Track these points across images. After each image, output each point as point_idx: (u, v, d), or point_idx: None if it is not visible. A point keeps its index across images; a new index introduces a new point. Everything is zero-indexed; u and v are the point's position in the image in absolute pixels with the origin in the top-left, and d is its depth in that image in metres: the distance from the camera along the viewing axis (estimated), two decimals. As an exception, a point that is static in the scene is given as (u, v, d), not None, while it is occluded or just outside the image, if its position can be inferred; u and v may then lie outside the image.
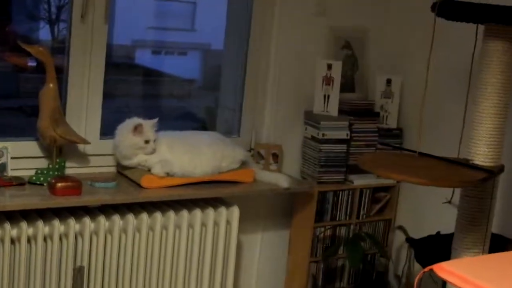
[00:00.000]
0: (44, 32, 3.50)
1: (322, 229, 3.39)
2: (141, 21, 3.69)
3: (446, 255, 2.78)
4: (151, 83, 3.85)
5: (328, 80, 3.32)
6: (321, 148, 3.30)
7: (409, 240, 2.93)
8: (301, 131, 3.44)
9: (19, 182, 2.71)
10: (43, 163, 2.86)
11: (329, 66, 3.32)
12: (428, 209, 3.42)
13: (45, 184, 2.73)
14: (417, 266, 3.47)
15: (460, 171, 2.25)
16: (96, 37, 2.88)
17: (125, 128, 2.88)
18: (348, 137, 3.36)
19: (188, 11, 3.98)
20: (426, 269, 1.72)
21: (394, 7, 3.57)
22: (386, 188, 3.54)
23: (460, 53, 3.13)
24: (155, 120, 2.90)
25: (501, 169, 2.36)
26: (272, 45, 3.32)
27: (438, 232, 2.96)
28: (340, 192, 3.41)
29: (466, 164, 2.30)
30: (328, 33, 3.43)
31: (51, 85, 2.74)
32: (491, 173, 2.23)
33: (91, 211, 2.77)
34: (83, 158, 2.97)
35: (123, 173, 2.97)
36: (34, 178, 2.75)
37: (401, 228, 3.47)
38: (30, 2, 3.51)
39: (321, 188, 3.32)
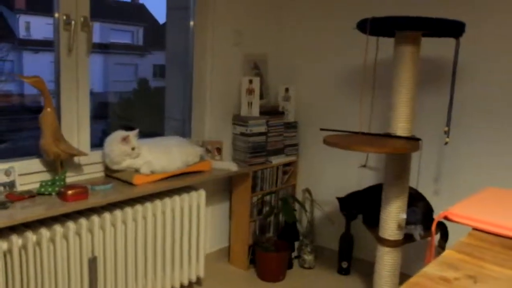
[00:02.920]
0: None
1: (255, 198, 2.94)
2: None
3: (361, 206, 2.48)
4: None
5: (250, 91, 2.87)
6: (250, 140, 2.84)
7: (338, 198, 2.54)
8: (231, 130, 2.95)
9: (30, 195, 1.96)
10: (45, 176, 2.13)
11: (250, 81, 2.86)
12: (317, 175, 3.11)
13: (53, 193, 2.01)
14: (316, 213, 3.16)
15: (397, 141, 1.91)
16: (81, 67, 2.18)
17: (114, 139, 2.23)
18: (266, 131, 2.93)
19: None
20: (441, 216, 1.36)
21: (283, 38, 3.20)
22: (289, 164, 3.16)
23: (348, 61, 2.87)
24: (137, 130, 2.28)
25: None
26: (207, 71, 2.79)
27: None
28: (265, 170, 2.97)
29: (397, 136, 1.96)
30: (243, 58, 2.97)
31: (49, 109, 2.01)
32: (418, 140, 1.92)
33: (95, 210, 2.09)
34: (78, 168, 2.26)
35: (113, 176, 2.30)
36: (42, 189, 2.01)
37: (307, 190, 3.11)
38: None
39: (253, 168, 2.86)
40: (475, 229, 1.27)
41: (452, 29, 1.88)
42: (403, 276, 2.74)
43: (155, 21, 4.54)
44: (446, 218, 1.33)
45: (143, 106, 4.01)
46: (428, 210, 2.19)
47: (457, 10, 2.42)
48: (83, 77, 2.20)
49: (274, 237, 3.07)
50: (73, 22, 2.09)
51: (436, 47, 2.50)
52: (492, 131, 2.39)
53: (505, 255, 1.10)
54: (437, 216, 1.34)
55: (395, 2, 2.65)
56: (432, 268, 1.01)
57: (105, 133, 2.36)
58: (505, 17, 2.30)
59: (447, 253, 1.12)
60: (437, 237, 2.42)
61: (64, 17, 2.07)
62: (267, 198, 3.04)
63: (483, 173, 2.44)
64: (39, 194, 2.01)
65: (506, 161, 2.36)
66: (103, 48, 3.57)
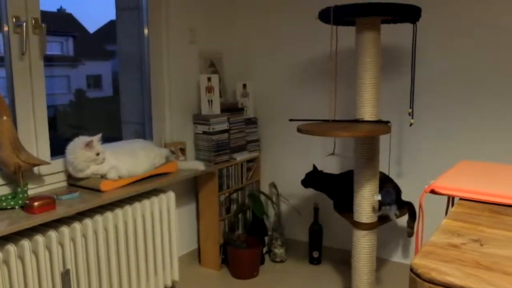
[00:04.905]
0: None
1: (223, 196, 2.91)
2: None
3: (331, 191, 2.52)
4: None
5: (209, 89, 2.83)
6: (213, 138, 2.80)
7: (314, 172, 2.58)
8: (192, 130, 2.90)
9: (-9, 211, 1.82)
10: (3, 190, 1.98)
11: (209, 79, 2.83)
12: (281, 169, 3.13)
13: (16, 207, 1.88)
14: (282, 206, 3.17)
15: (367, 125, 1.96)
16: (35, 71, 2.05)
17: (77, 146, 2.12)
18: (228, 128, 2.91)
19: None
20: (427, 190, 1.41)
21: (238, 34, 3.20)
22: (252, 160, 3.16)
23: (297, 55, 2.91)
24: (100, 135, 2.18)
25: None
26: (164, 72, 2.73)
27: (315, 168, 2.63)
28: (230, 167, 2.94)
29: (365, 121, 2.01)
30: (199, 57, 2.93)
31: (5, 117, 1.88)
32: (388, 122, 1.97)
33: (64, 221, 1.98)
34: (38, 178, 2.13)
35: (77, 184, 2.19)
36: (4, 204, 1.87)
37: (273, 184, 3.11)
38: None
39: (219, 167, 2.83)
40: (462, 198, 1.33)
41: (409, 13, 1.95)
42: (376, 260, 2.83)
43: (85, 30, 4.39)
44: (432, 191, 1.38)
45: (92, 114, 3.85)
46: (398, 191, 2.27)
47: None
48: (39, 82, 2.07)
49: (243, 234, 3.05)
50: (24, 24, 1.96)
51: (390, 36, 2.59)
52: (447, 112, 2.52)
53: (496, 219, 1.16)
54: (425, 189, 1.39)
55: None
56: (437, 237, 1.05)
57: (59, 143, 2.25)
58: (453, 5, 2.43)
59: (445, 222, 1.16)
60: (405, 218, 2.51)
61: (14, 20, 1.94)
62: (234, 195, 3.01)
63: (440, 152, 2.56)
64: (0, 209, 1.87)
65: (461, 139, 2.50)
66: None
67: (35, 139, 2.10)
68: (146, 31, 2.73)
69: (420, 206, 1.39)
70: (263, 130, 3.20)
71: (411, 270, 0.92)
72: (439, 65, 2.49)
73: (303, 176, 2.68)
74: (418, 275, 0.89)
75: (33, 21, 2.01)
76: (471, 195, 1.31)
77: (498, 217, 1.16)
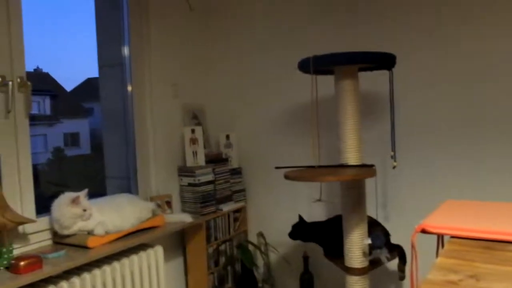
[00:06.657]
0: None
1: (211, 248, 2.87)
2: None
3: (321, 238, 2.52)
4: None
5: (194, 141, 2.87)
6: (198, 190, 2.81)
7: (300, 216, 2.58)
8: (177, 182, 2.90)
9: (-26, 274, 1.77)
10: (-13, 252, 1.93)
11: (193, 131, 2.87)
12: (268, 218, 3.14)
13: (1, 268, 1.83)
14: (271, 256, 3.15)
15: (353, 169, 2.00)
16: (20, 129, 2.06)
17: (63, 203, 2.10)
18: (214, 179, 2.92)
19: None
20: (418, 229, 1.43)
21: (219, 86, 3.29)
22: (238, 210, 3.15)
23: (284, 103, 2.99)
24: (86, 190, 2.17)
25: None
26: (148, 127, 2.78)
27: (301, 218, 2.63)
28: (217, 218, 2.93)
29: (351, 165, 2.05)
30: (182, 110, 2.98)
31: (-10, 177, 1.87)
32: (373, 166, 2.02)
33: (51, 280, 1.93)
34: (23, 237, 2.08)
35: (63, 242, 2.15)
36: (-13, 266, 1.82)
37: (261, 234, 3.10)
38: None
39: (206, 218, 2.81)
40: (452, 236, 1.36)
41: (385, 60, 2.06)
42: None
43: (63, 89, 4.45)
44: (423, 230, 1.41)
45: (73, 171, 3.83)
46: (387, 234, 2.29)
47: (383, 49, 2.66)
48: (24, 139, 2.08)
49: (233, 287, 3.00)
50: (10, 83, 1.99)
51: (370, 83, 2.70)
52: (429, 154, 2.60)
53: (488, 254, 1.19)
54: (415, 228, 1.42)
55: (320, 44, 2.86)
56: (434, 275, 1.07)
57: (42, 201, 2.22)
58: (427, 52, 2.58)
59: (440, 260, 1.18)
60: (395, 261, 2.51)
61: (0, 79, 1.97)
62: (222, 247, 2.98)
63: (424, 194, 2.62)
64: (-16, 272, 1.81)
65: (444, 181, 2.56)
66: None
67: (20, 196, 2.07)
68: (129, 87, 2.79)
69: (413, 246, 1.41)
70: (248, 179, 3.23)
71: (414, 308, 0.94)
72: (418, 110, 2.60)
73: (290, 224, 2.69)
74: (421, 313, 0.91)
75: (19, 80, 2.05)
76: (461, 232, 1.34)
77: (490, 253, 1.20)
